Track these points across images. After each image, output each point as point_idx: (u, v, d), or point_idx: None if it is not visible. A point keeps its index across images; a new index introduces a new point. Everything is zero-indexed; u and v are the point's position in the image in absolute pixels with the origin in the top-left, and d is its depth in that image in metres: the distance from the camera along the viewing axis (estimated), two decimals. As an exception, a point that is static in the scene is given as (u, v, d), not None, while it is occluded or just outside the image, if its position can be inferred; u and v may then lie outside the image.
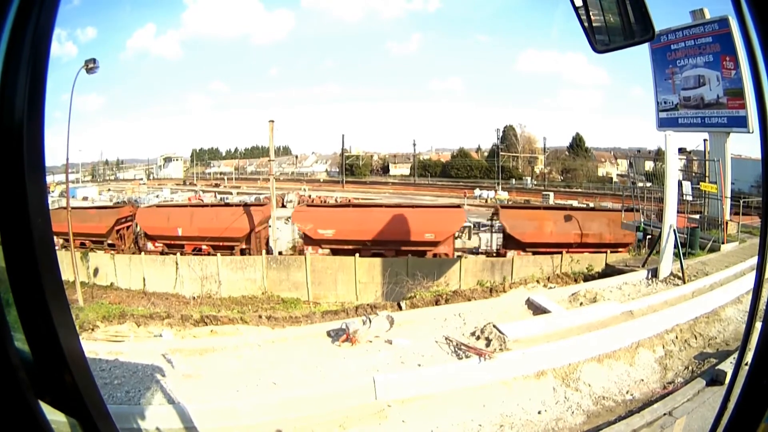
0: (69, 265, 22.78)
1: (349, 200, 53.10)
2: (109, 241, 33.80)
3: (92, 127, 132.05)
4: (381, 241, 28.27)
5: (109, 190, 78.60)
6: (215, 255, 29.16)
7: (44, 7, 1.21)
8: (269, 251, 31.21)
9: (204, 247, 30.97)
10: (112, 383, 8.80)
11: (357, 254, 27.20)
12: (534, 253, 27.51)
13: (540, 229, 28.19)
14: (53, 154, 26.72)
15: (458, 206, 34.53)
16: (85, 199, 61.39)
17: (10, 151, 1.17)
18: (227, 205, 38.70)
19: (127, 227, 35.31)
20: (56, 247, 24.60)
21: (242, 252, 30.83)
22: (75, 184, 72.40)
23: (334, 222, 29.20)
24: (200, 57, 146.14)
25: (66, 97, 22.16)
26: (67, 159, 23.72)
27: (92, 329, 15.56)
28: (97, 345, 12.18)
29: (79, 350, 1.35)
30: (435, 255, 28.27)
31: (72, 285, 22.32)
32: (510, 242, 29.11)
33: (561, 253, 26.62)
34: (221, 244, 30.69)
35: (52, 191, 54.08)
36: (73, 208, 42.98)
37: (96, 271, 29.55)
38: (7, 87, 1.17)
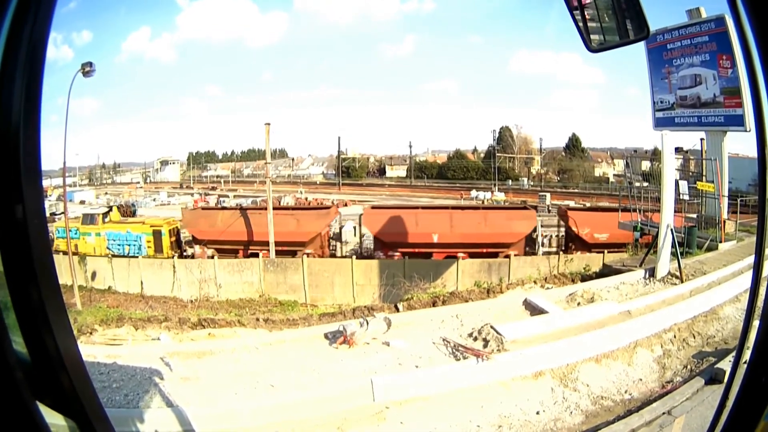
0: (67, 268, 22.70)
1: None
2: (308, 250, 29.54)
3: (89, 130, 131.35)
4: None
5: (106, 193, 78.44)
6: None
7: (40, 11, 1.21)
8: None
9: (461, 254, 27.31)
10: (111, 387, 8.77)
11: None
12: None
13: None
14: (50, 158, 26.58)
15: None
16: (82, 203, 61.14)
17: (7, 155, 1.17)
18: (494, 208, 35.23)
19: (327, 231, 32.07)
20: (197, 257, 23.82)
21: (506, 256, 27.50)
22: (72, 187, 72.21)
23: (608, 226, 27.89)
24: (195, 60, 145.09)
25: (62, 100, 22.06)
26: (65, 163, 23.63)
27: (90, 333, 15.52)
28: (96, 348, 12.15)
29: (77, 353, 1.36)
30: None
31: (70, 289, 22.25)
32: None
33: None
34: (485, 251, 27.78)
35: (50, 195, 53.92)
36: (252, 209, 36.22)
37: (94, 275, 29.28)
38: (4, 91, 1.17)
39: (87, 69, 22.01)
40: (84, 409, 1.34)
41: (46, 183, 52.86)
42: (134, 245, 31.66)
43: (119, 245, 31.64)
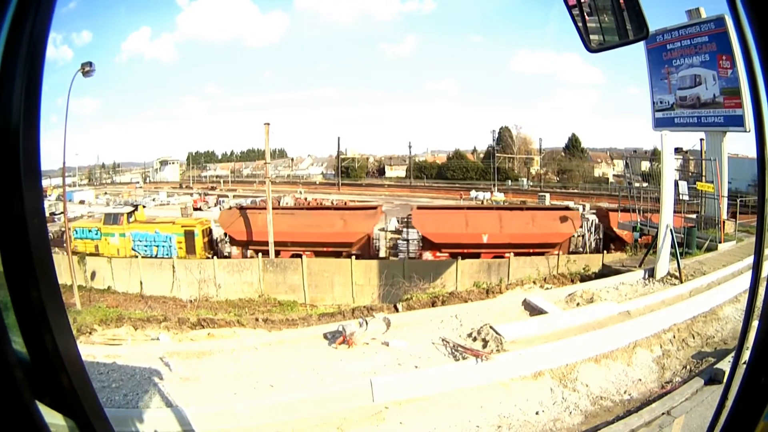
0: (66, 269, 22.67)
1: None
2: (354, 252, 28.52)
3: (88, 130, 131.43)
4: None
5: (105, 193, 78.37)
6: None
7: (40, 11, 1.21)
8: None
9: (507, 255, 26.90)
10: (110, 386, 8.77)
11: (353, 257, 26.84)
12: None
13: None
14: (50, 157, 26.49)
15: None
16: (81, 202, 61.15)
17: (6, 155, 1.17)
18: (540, 208, 34.85)
19: None
20: (234, 258, 22.93)
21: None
22: (72, 187, 72.10)
23: None
24: (195, 60, 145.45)
25: (62, 101, 22.03)
26: (64, 162, 23.53)
27: (90, 333, 15.51)
28: (95, 348, 12.15)
29: (76, 352, 1.35)
30: None
31: (70, 289, 22.22)
32: None
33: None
34: (532, 251, 27.40)
35: (49, 195, 53.83)
36: (299, 209, 35.87)
37: (93, 275, 29.03)
38: (4, 91, 1.17)
39: (87, 69, 21.99)
40: (83, 409, 1.34)
41: (45, 183, 52.76)
42: (164, 246, 30.47)
43: (146, 246, 30.46)
